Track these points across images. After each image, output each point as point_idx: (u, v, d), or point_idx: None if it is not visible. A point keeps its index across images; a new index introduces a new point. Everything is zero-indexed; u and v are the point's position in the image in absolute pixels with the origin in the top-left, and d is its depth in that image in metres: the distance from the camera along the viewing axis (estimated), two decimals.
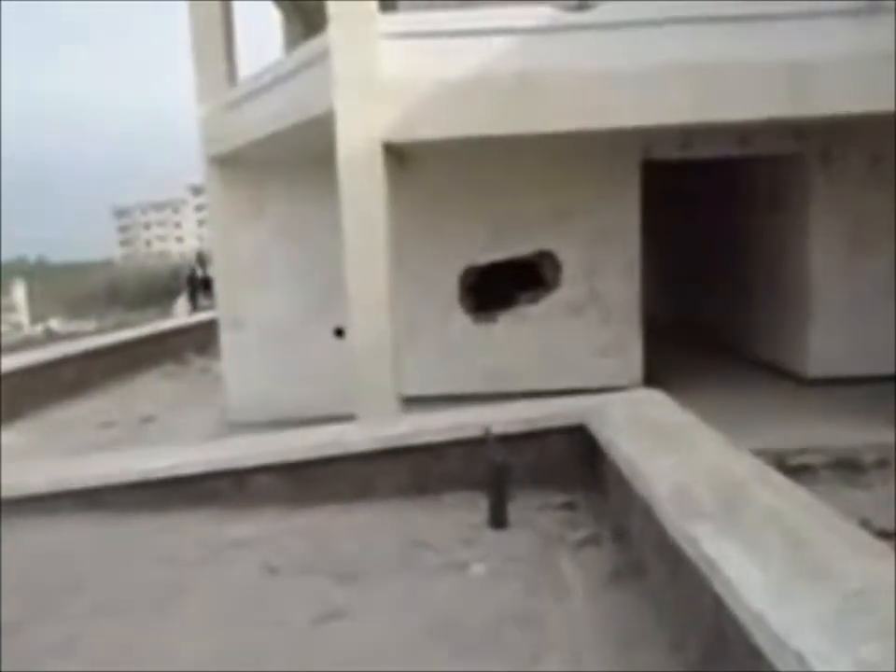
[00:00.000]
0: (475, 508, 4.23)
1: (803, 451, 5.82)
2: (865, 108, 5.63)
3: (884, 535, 4.49)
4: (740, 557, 2.16)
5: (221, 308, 8.47)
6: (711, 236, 10.36)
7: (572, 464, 4.33)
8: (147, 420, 9.21)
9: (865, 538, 2.30)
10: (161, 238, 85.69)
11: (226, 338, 8.37)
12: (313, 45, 6.15)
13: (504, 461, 3.82)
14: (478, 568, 3.31)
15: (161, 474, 4.37)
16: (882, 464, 5.66)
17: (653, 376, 8.04)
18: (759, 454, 3.89)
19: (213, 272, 8.48)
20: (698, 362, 9.24)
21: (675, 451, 3.18)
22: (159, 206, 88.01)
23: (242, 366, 8.29)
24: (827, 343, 7.83)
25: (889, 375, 7.33)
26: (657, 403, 4.26)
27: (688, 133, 7.39)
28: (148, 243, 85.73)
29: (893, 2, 5.53)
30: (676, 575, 2.58)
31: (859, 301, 7.80)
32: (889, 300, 7.70)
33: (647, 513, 2.90)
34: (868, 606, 1.82)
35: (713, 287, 10.46)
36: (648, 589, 2.96)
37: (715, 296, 10.42)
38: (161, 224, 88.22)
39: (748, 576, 2.04)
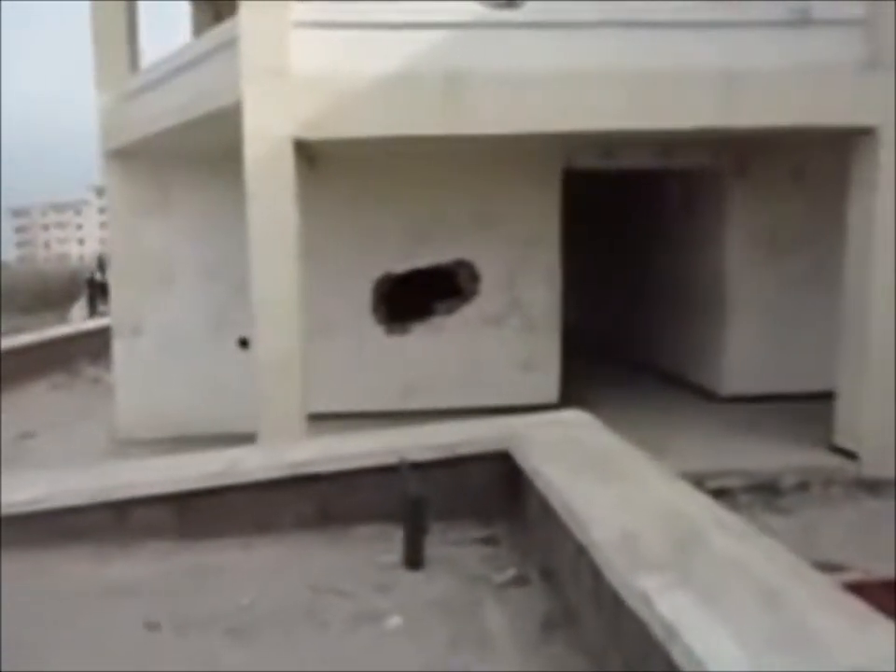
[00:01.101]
0: (389, 542, 3.81)
1: (721, 474, 5.67)
2: (793, 122, 5.54)
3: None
4: (704, 620, 1.82)
5: (115, 313, 7.76)
6: (627, 247, 10.30)
7: (494, 494, 3.97)
8: (27, 437, 8.32)
9: (839, 592, 2.01)
10: (62, 240, 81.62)
11: (119, 346, 7.65)
12: (221, 30, 5.63)
13: (420, 494, 3.41)
14: (394, 621, 2.88)
15: (27, 507, 3.76)
16: (802, 487, 5.56)
17: (569, 392, 7.83)
18: (678, 476, 3.65)
19: (109, 273, 7.74)
20: (613, 377, 9.11)
21: (611, 483, 2.85)
22: (59, 207, 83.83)
23: (136, 377, 7.59)
24: (741, 360, 7.80)
25: (803, 394, 7.33)
26: (585, 426, 3.95)
27: (611, 143, 7.22)
28: (48, 245, 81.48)
29: (831, 12, 5.49)
30: (620, 633, 2.23)
31: (774, 318, 7.79)
32: (805, 317, 7.71)
33: (581, 556, 2.56)
34: None
35: (628, 298, 10.39)
36: (585, 644, 2.60)
37: (630, 308, 10.34)
38: (61, 226, 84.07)
39: (718, 647, 1.69)
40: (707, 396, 7.98)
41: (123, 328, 7.61)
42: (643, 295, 9.80)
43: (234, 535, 3.95)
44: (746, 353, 7.78)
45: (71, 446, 7.68)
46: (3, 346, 12.54)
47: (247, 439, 5.66)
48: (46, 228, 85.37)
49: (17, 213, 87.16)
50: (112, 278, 7.77)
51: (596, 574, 2.40)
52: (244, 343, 7.26)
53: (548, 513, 3.07)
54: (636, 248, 9.97)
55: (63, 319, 21.34)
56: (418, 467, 3.79)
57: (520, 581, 3.30)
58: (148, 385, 7.55)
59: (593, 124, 5.67)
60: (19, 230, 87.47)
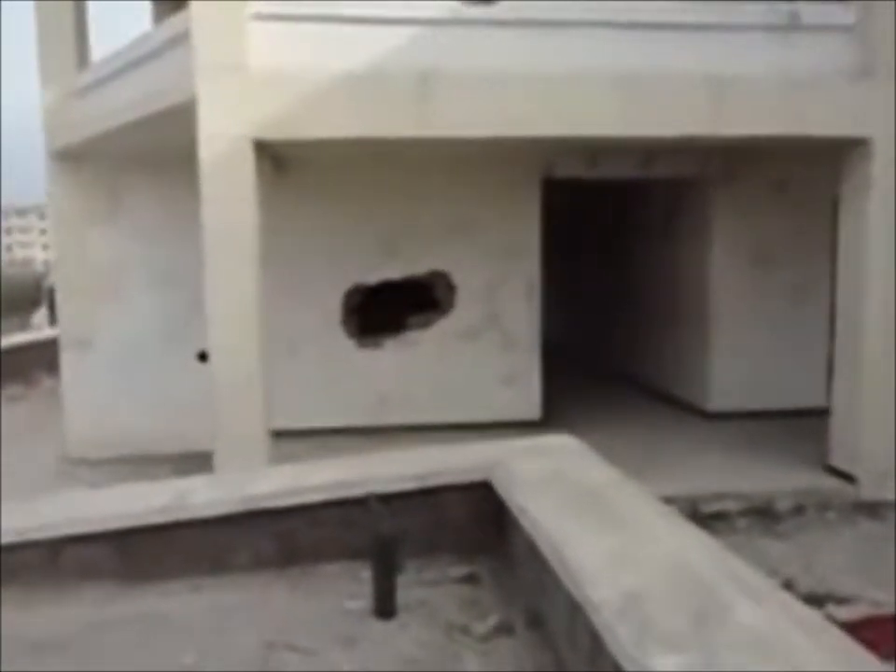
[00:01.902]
0: (357, 583, 3.45)
1: (716, 497, 5.39)
2: (783, 131, 5.31)
3: (812, 600, 4.03)
4: None
5: (64, 324, 7.32)
6: (609, 259, 10.04)
7: (474, 528, 3.62)
8: None
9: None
10: (24, 245, 79.93)
11: (68, 359, 7.21)
12: (174, 22, 5.24)
13: (391, 535, 3.05)
14: None
15: None
16: (798, 511, 5.30)
17: (551, 408, 7.53)
18: (670, 500, 3.34)
19: (55, 281, 7.29)
20: (595, 392, 8.84)
21: (610, 528, 2.51)
22: (22, 211, 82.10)
23: (86, 393, 7.16)
24: (728, 376, 7.56)
25: (792, 410, 7.12)
26: (574, 455, 3.62)
27: (593, 151, 6.95)
28: (10, 249, 79.72)
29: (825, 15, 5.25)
30: None
31: (760, 332, 7.56)
32: (792, 330, 7.50)
33: (577, 614, 2.22)
34: None
35: (609, 311, 10.12)
36: None
37: (611, 321, 10.08)
38: (24, 230, 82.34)
39: None
40: (694, 412, 7.73)
41: (71, 340, 7.18)
42: (626, 308, 9.55)
43: (183, 577, 3.56)
44: (732, 368, 7.55)
45: (17, 466, 7.21)
46: None
47: (206, 458, 5.31)
48: (9, 232, 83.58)
49: None
50: (58, 288, 7.31)
51: (595, 639, 2.06)
52: (202, 357, 6.84)
53: (536, 556, 2.74)
54: (617, 260, 9.73)
55: (24, 326, 20.67)
56: (390, 498, 3.45)
57: (504, 628, 2.96)
58: (99, 402, 7.12)
59: (574, 129, 5.40)
60: None
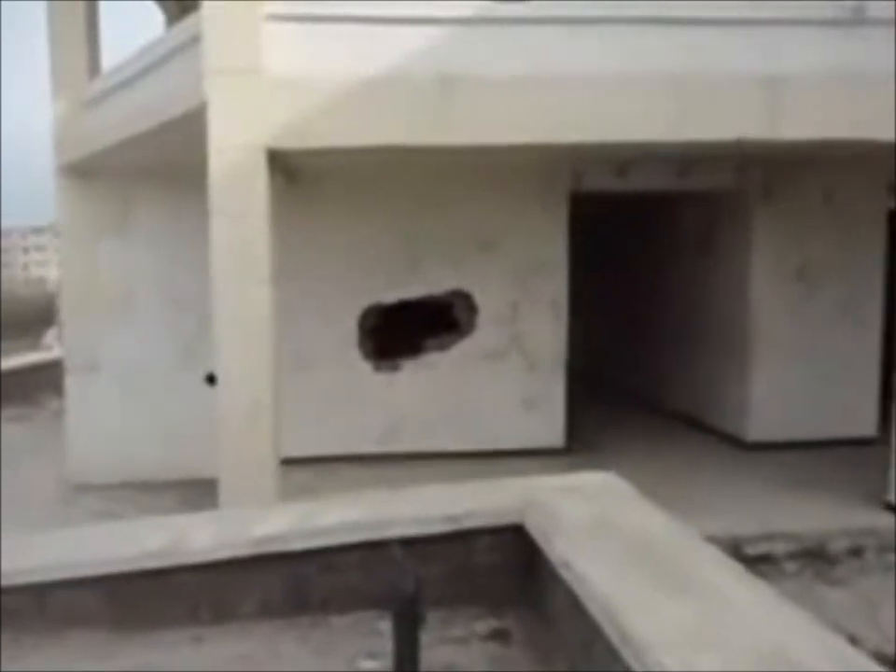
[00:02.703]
0: (374, 636, 3.12)
1: (762, 537, 4.98)
2: (844, 135, 4.91)
3: (881, 658, 3.63)
4: None
5: (68, 345, 7.04)
6: (639, 277, 9.63)
7: (503, 576, 3.28)
8: None
9: None
10: (40, 263, 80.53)
11: (73, 382, 6.92)
12: (185, 26, 4.99)
13: (416, 590, 2.70)
14: None
15: None
16: (855, 553, 4.86)
17: (575, 436, 7.17)
18: (711, 540, 2.98)
19: (61, 300, 7.05)
20: (623, 419, 8.42)
21: (677, 591, 2.15)
22: (39, 230, 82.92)
23: (91, 417, 6.86)
24: (769, 404, 7.08)
25: (838, 440, 6.70)
26: (617, 495, 3.27)
27: (624, 161, 6.62)
28: (26, 267, 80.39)
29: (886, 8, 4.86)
30: None
31: (804, 357, 7.10)
32: (838, 355, 7.07)
33: None
34: None
35: (639, 333, 9.72)
36: None
37: (641, 344, 9.67)
38: (40, 249, 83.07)
39: None
40: (732, 442, 7.26)
41: (77, 362, 6.90)
42: (656, 328, 9.12)
43: (182, 626, 3.24)
44: (774, 396, 7.07)
45: (17, 491, 6.94)
46: None
47: (213, 485, 4.99)
48: (26, 251, 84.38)
49: None
50: (64, 307, 7.06)
51: None
52: (211, 380, 6.55)
53: (582, 616, 2.39)
54: (647, 277, 9.31)
55: (36, 345, 20.54)
56: (412, 542, 3.11)
57: None
58: (104, 426, 6.82)
59: (610, 135, 5.02)
60: None
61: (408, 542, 3.10)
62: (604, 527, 2.83)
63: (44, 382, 13.02)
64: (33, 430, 10.31)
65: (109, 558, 3.13)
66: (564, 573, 2.63)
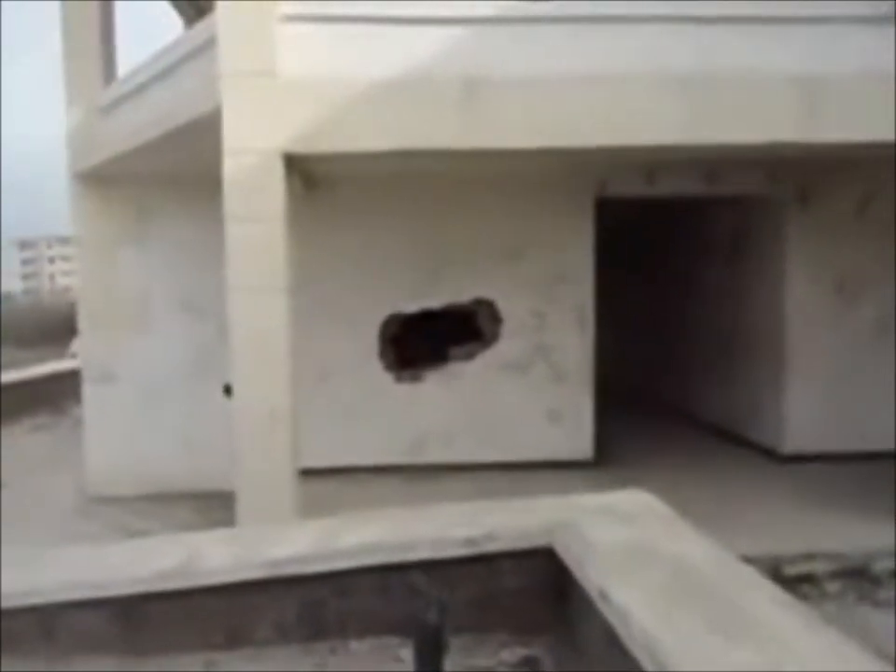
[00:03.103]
0: (394, 664, 2.95)
1: (802, 556, 4.74)
2: (886, 137, 4.67)
3: None
4: None
5: (85, 355, 6.96)
6: (668, 285, 9.40)
7: (532, 601, 3.08)
8: None
9: None
10: (67, 273, 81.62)
11: (90, 392, 6.84)
12: (199, 29, 4.88)
13: (440, 616, 2.52)
14: None
15: None
16: None
17: (603, 447, 6.96)
18: (748, 560, 2.78)
19: (79, 310, 6.96)
20: (652, 430, 8.18)
21: (732, 632, 1.95)
22: (65, 240, 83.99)
23: (108, 428, 6.77)
24: (805, 415, 6.84)
25: (878, 453, 6.41)
26: (656, 518, 3.07)
27: (653, 165, 6.42)
28: (52, 277, 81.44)
29: None
30: None
31: (842, 368, 6.86)
32: (877, 366, 6.80)
33: None
34: None
35: (667, 342, 9.48)
36: None
37: (669, 353, 9.43)
38: (66, 258, 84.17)
39: None
40: (766, 454, 7.02)
41: (94, 372, 6.82)
42: (686, 339, 8.89)
43: (194, 651, 3.09)
44: (810, 407, 6.83)
45: (33, 502, 6.89)
46: None
47: (230, 497, 4.87)
48: (52, 260, 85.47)
49: (24, 245, 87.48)
50: (81, 316, 6.97)
51: None
52: (228, 391, 6.44)
53: (622, 652, 2.20)
54: (676, 285, 9.08)
55: (62, 354, 20.64)
56: (435, 566, 2.94)
57: None
58: (121, 437, 6.74)
59: (639, 138, 4.82)
60: (25, 262, 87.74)
61: (430, 565, 2.94)
62: (642, 554, 2.63)
63: (69, 390, 13.03)
64: (55, 440, 10.30)
65: (120, 579, 2.99)
66: (599, 604, 2.44)
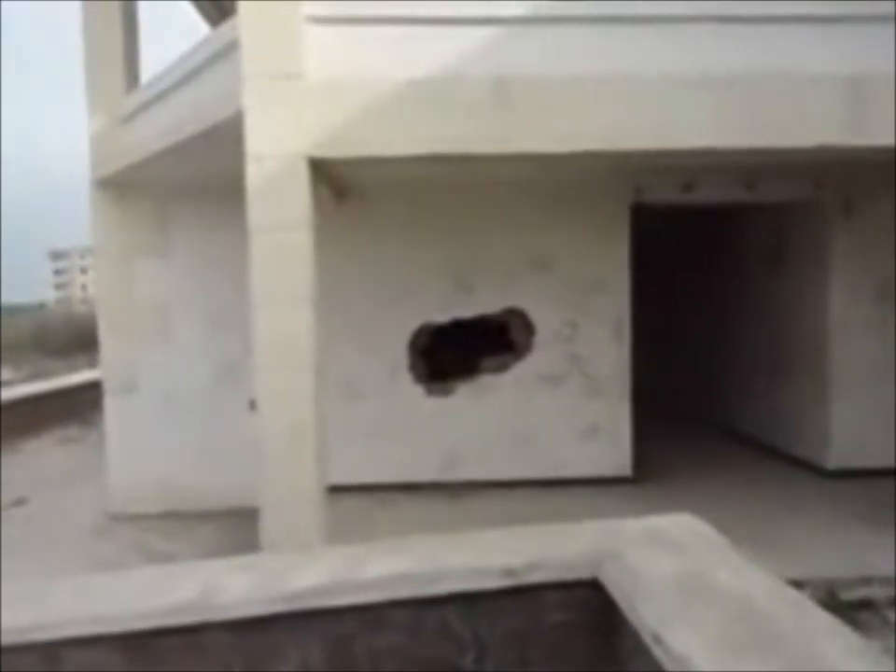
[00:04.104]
0: None
1: (858, 581, 4.45)
2: None
3: None
4: None
5: (107, 367, 6.85)
6: (704, 293, 9.14)
7: (575, 638, 2.84)
8: (18, 503, 7.44)
9: None
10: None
11: (112, 405, 6.73)
12: (223, 31, 4.74)
13: (477, 656, 2.31)
14: None
15: None
16: None
17: (642, 464, 6.70)
18: (801, 584, 2.53)
19: (98, 321, 6.85)
20: (692, 446, 7.93)
21: None
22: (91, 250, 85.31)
23: (130, 442, 6.64)
24: (851, 428, 6.58)
25: None
26: (706, 546, 2.82)
27: (690, 171, 6.18)
28: (84, 287, 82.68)
29: None
30: None
31: (889, 379, 6.59)
32: None
33: None
34: None
35: (706, 352, 9.19)
36: None
37: (708, 366, 9.14)
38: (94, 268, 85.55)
39: None
40: (811, 469, 6.78)
41: (115, 385, 6.70)
42: (724, 352, 8.63)
43: None
44: (856, 420, 6.59)
45: (55, 520, 6.78)
46: (15, 396, 11.91)
47: (254, 515, 4.70)
48: (83, 270, 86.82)
49: (56, 255, 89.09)
50: (101, 327, 6.85)
51: None
52: (254, 406, 6.30)
53: None
54: (716, 295, 8.82)
55: (93, 363, 20.74)
56: (471, 599, 2.72)
57: None
58: (143, 453, 6.60)
59: (677, 142, 4.60)
60: (57, 272, 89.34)
61: (465, 598, 2.72)
62: (696, 589, 2.40)
63: (96, 401, 13.00)
64: (81, 453, 10.22)
65: (132, 612, 2.79)
66: (653, 647, 2.20)
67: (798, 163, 5.74)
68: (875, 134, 4.49)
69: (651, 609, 2.32)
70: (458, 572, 2.82)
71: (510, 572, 2.78)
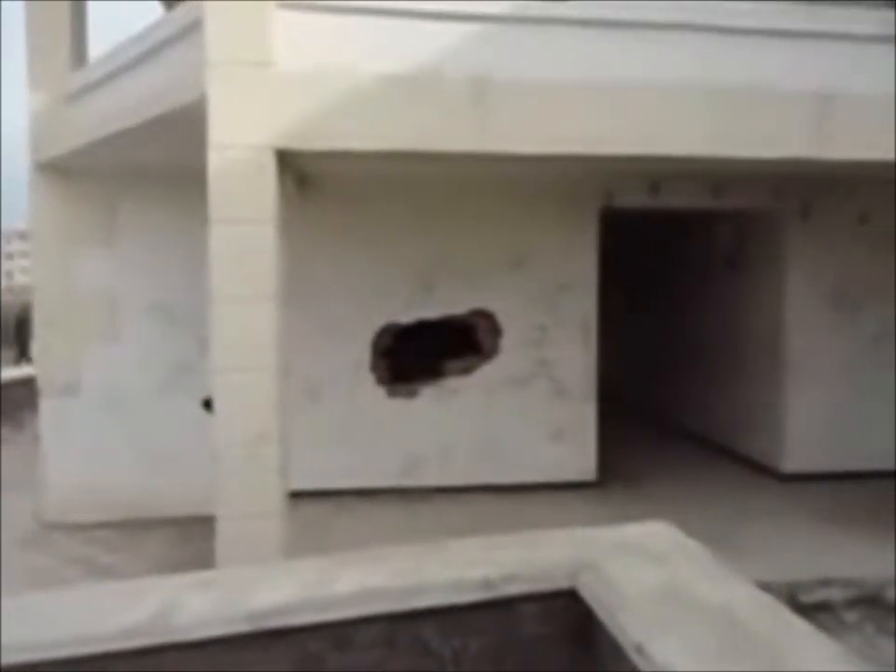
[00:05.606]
0: None
1: (816, 583, 4.69)
2: (884, 155, 4.78)
3: None
4: None
5: (42, 365, 6.68)
6: (665, 297, 9.40)
7: (552, 650, 2.90)
8: None
9: None
10: (27, 270, 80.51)
11: (48, 406, 6.56)
12: (185, 11, 4.68)
13: None
14: None
15: None
16: None
17: (608, 466, 6.89)
18: (764, 587, 2.66)
19: (34, 314, 6.66)
20: (654, 449, 8.19)
21: None
22: (25, 235, 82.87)
23: (69, 446, 6.50)
24: (806, 432, 6.93)
25: (881, 471, 6.51)
26: (682, 555, 2.91)
27: (656, 179, 6.41)
28: (10, 275, 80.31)
29: None
30: None
31: (842, 384, 6.98)
32: (878, 381, 6.93)
33: None
34: None
35: (667, 355, 9.42)
36: None
37: (668, 367, 9.38)
38: (27, 255, 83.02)
39: None
40: (767, 473, 7.11)
41: (52, 385, 6.52)
42: (685, 353, 8.90)
43: None
44: (810, 424, 6.94)
45: None
46: None
47: (209, 523, 4.63)
48: (10, 257, 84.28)
49: None
50: (37, 321, 6.66)
51: None
52: (208, 405, 6.23)
53: None
54: (676, 299, 9.10)
55: (23, 358, 20.13)
56: (447, 612, 2.76)
57: None
58: (85, 456, 6.47)
59: (651, 148, 4.82)
60: None
61: (442, 612, 2.76)
62: (676, 598, 2.48)
63: (27, 400, 12.63)
64: (12, 456, 9.93)
65: (78, 636, 2.70)
66: (634, 657, 2.27)
67: (761, 172, 6.05)
68: (835, 148, 4.82)
69: (631, 619, 2.39)
70: (435, 585, 2.84)
71: (488, 584, 2.82)
